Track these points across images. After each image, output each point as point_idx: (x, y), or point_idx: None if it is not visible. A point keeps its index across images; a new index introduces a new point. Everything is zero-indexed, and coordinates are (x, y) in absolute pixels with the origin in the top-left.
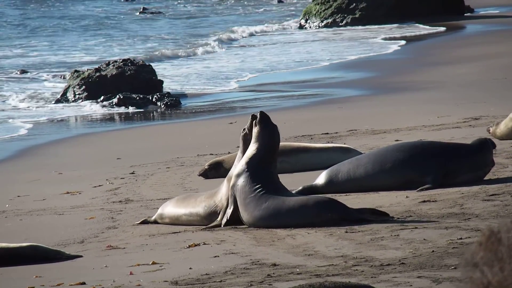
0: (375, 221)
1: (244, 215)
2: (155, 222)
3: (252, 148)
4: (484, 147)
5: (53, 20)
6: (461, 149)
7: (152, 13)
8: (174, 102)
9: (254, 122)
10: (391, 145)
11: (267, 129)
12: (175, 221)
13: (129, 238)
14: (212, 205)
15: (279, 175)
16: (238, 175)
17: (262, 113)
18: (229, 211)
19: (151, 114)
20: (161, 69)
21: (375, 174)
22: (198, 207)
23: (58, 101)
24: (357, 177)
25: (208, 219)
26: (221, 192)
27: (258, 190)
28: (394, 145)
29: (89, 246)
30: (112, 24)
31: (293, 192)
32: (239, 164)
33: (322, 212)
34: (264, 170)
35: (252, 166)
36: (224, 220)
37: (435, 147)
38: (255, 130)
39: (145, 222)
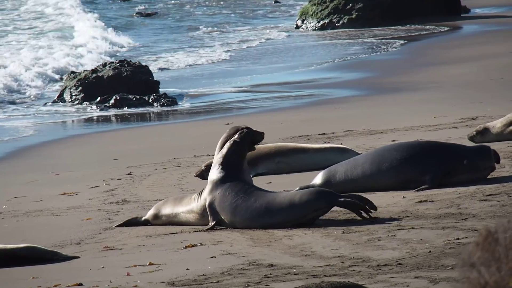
0: (362, 209)
1: (237, 220)
2: (146, 222)
3: (216, 159)
4: (484, 152)
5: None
6: (460, 150)
7: (148, 14)
8: (171, 102)
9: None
10: (388, 144)
11: (240, 137)
12: (172, 220)
13: (126, 239)
14: (203, 200)
15: (276, 176)
16: (211, 191)
17: (245, 131)
18: (211, 224)
19: (148, 115)
20: (157, 70)
21: (373, 174)
22: (192, 204)
23: (54, 102)
24: (355, 177)
25: (201, 215)
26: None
27: (241, 192)
28: (392, 145)
29: (86, 247)
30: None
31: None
32: (208, 182)
33: (313, 202)
34: (236, 176)
35: (223, 176)
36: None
37: (434, 147)
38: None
39: (130, 222)
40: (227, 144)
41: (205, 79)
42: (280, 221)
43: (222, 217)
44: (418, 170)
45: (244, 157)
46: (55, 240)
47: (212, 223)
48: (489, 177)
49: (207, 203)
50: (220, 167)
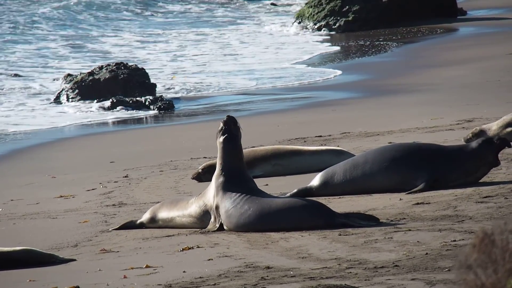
0: (363, 226)
1: (230, 226)
2: (141, 225)
3: (218, 164)
4: (471, 153)
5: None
6: (456, 151)
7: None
8: (168, 105)
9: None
10: (388, 145)
11: (225, 140)
12: (168, 224)
13: (122, 241)
14: (202, 205)
15: (273, 178)
16: (216, 196)
17: (226, 120)
18: (217, 226)
19: (145, 118)
20: (154, 73)
21: (373, 174)
22: (189, 209)
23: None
24: (354, 178)
25: (200, 219)
26: (209, 191)
27: (237, 200)
28: (392, 145)
29: (82, 249)
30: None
31: (287, 194)
32: (213, 186)
33: (308, 216)
34: (237, 181)
35: (224, 182)
36: (214, 228)
37: (431, 149)
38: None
39: (126, 226)
40: (218, 145)
41: (201, 82)
42: (273, 229)
43: (222, 222)
44: (412, 173)
45: (239, 151)
46: (51, 243)
47: (218, 225)
48: (485, 179)
49: (213, 206)
50: (220, 171)
